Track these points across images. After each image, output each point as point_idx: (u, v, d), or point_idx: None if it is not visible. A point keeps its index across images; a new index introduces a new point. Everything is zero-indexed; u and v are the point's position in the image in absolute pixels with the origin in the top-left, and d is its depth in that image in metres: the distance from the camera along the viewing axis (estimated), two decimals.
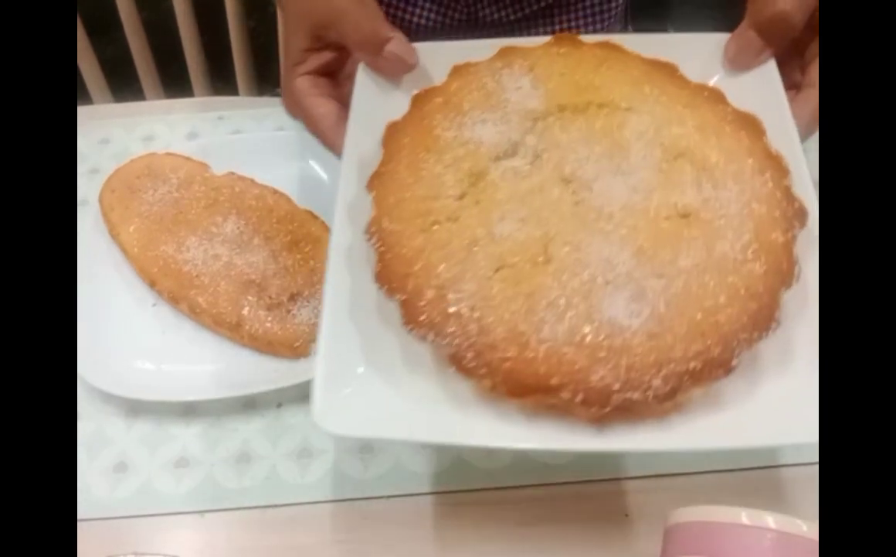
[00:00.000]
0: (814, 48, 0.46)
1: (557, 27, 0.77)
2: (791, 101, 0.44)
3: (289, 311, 0.51)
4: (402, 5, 0.74)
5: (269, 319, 0.50)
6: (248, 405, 0.49)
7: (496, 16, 0.74)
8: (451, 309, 0.37)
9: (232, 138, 0.66)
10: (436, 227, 0.40)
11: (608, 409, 0.34)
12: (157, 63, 0.96)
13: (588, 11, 0.77)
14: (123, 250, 0.55)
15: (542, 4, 0.74)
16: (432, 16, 0.75)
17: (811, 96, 0.44)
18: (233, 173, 0.59)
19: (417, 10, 0.74)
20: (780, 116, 0.43)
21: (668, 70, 0.46)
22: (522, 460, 0.46)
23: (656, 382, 0.35)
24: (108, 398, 0.49)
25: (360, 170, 0.43)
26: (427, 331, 0.37)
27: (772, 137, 0.42)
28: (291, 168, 0.61)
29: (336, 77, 0.52)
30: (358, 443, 0.47)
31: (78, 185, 0.62)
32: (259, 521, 0.45)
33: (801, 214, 0.39)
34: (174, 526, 0.45)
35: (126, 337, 0.52)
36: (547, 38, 0.47)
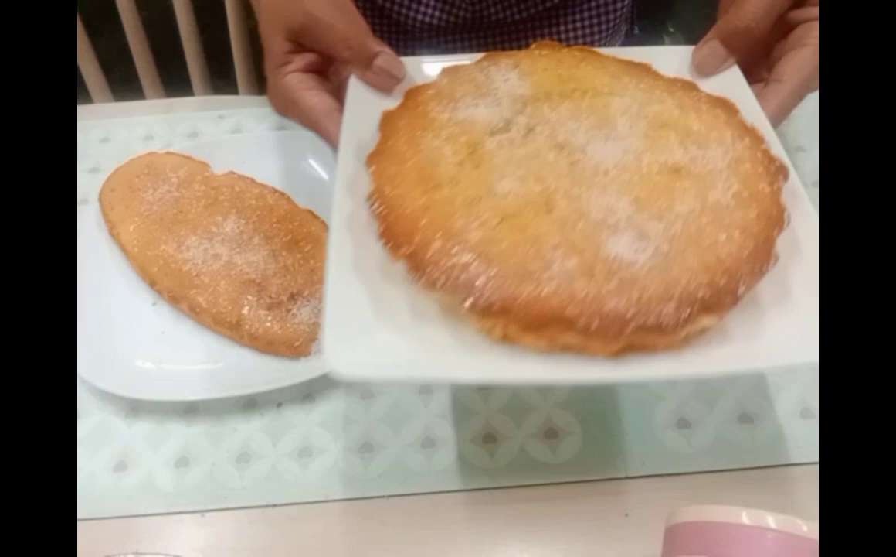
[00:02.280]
0: (779, 48, 0.49)
1: (563, 28, 0.77)
2: (758, 95, 0.47)
3: (289, 310, 0.51)
4: (406, 3, 0.74)
5: (269, 318, 0.50)
6: (249, 404, 0.49)
7: (501, 15, 0.74)
8: (460, 257, 0.37)
9: (232, 137, 0.66)
10: (437, 189, 0.40)
11: (624, 336, 0.35)
12: (157, 62, 0.96)
13: (594, 12, 0.76)
14: (123, 250, 0.55)
15: (548, 4, 0.74)
16: (437, 14, 0.75)
17: (777, 89, 0.48)
18: (233, 173, 0.59)
19: (422, 8, 0.74)
20: (748, 105, 0.46)
21: (642, 67, 0.49)
22: (523, 459, 0.46)
23: (668, 308, 0.35)
24: (108, 397, 0.49)
25: (357, 152, 0.44)
26: (437, 278, 0.37)
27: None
28: (292, 167, 0.61)
29: (324, 73, 0.53)
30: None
31: (78, 184, 0.62)
32: (260, 520, 0.45)
33: (783, 169, 0.42)
34: (175, 525, 0.45)
35: (126, 336, 0.52)
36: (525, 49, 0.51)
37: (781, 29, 0.49)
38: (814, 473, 0.45)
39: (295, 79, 0.51)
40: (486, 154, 0.42)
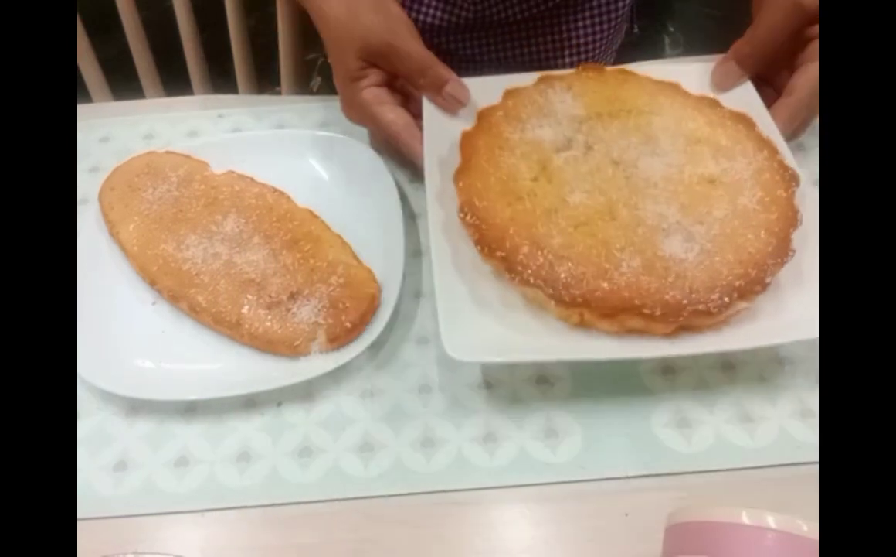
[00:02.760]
0: (797, 60, 0.56)
1: (564, 27, 0.76)
2: (771, 105, 0.55)
3: (288, 309, 0.51)
4: (407, 3, 0.74)
5: (269, 317, 0.50)
6: (249, 403, 0.49)
7: (503, 15, 0.74)
8: (546, 258, 0.46)
9: (232, 137, 0.66)
10: (519, 201, 0.49)
11: (680, 320, 0.44)
12: (157, 62, 0.96)
13: (595, 11, 0.76)
14: (123, 249, 0.55)
15: (550, 4, 0.74)
16: (439, 14, 0.74)
17: (788, 101, 0.56)
18: (232, 172, 0.59)
19: (424, 8, 0.74)
20: (760, 116, 0.55)
21: (673, 86, 0.58)
22: (523, 459, 0.46)
23: (713, 296, 0.44)
24: (109, 397, 0.49)
25: (439, 166, 0.53)
26: (529, 277, 0.45)
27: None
28: (291, 166, 0.61)
29: (394, 86, 0.59)
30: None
31: (78, 183, 0.62)
32: (259, 520, 0.45)
33: (795, 177, 0.51)
34: (175, 525, 0.45)
35: (126, 336, 0.52)
36: (573, 70, 0.59)
37: (799, 43, 0.55)
38: (814, 473, 0.45)
39: (371, 94, 0.57)
40: (556, 170, 0.51)
